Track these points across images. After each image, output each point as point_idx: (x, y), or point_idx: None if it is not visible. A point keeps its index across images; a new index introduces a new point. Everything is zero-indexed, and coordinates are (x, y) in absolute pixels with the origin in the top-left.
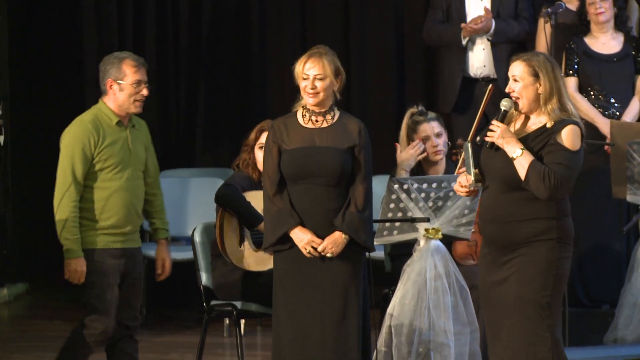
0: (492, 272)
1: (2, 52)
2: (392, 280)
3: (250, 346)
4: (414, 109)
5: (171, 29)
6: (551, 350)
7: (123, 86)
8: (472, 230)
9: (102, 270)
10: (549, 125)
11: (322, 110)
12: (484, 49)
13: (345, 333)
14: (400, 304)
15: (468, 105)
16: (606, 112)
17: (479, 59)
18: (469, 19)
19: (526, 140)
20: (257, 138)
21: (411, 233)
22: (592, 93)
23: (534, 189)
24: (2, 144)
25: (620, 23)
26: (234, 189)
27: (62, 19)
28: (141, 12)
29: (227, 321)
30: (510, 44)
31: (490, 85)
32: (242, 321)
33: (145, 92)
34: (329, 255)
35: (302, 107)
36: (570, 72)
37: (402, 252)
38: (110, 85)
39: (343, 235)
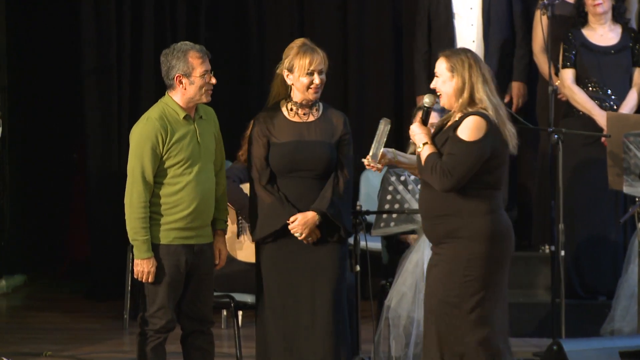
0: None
1: (0, 43)
2: (389, 271)
3: (247, 337)
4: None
5: (169, 18)
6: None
7: (193, 79)
8: None
9: (164, 265)
10: (457, 119)
11: (309, 104)
12: (473, 41)
13: (332, 324)
14: (397, 295)
15: None
16: (603, 104)
17: None
18: (455, 9)
19: (436, 136)
20: None
21: (408, 224)
22: (589, 85)
23: (428, 181)
24: (0, 135)
25: (618, 15)
26: (231, 181)
27: (60, 9)
28: (139, 2)
29: (224, 312)
30: (501, 37)
31: None
32: (240, 312)
33: (213, 80)
34: (297, 234)
35: (286, 101)
36: (568, 64)
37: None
38: (180, 80)
39: (316, 215)
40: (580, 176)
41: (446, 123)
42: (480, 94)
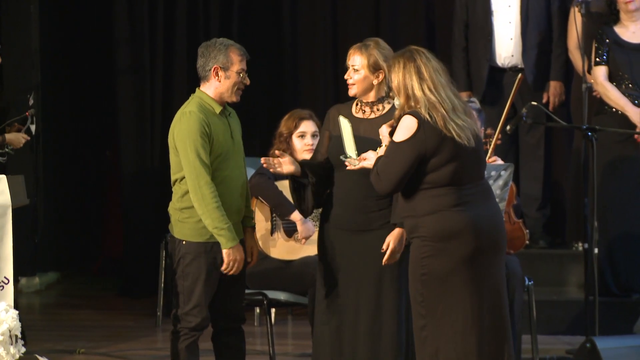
0: None
1: (33, 41)
2: None
3: (281, 335)
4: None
5: (202, 17)
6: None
7: (229, 74)
8: (503, 219)
9: (201, 263)
10: (398, 120)
11: (369, 101)
12: (511, 39)
13: (379, 320)
14: None
15: (497, 96)
16: (636, 101)
17: (507, 49)
18: (494, 7)
19: None
20: (295, 127)
21: None
22: (622, 82)
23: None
24: (33, 133)
25: None
26: (266, 178)
27: (93, 8)
28: (172, 1)
29: (257, 310)
30: (538, 34)
31: (520, 75)
32: (273, 310)
33: (247, 81)
34: (397, 255)
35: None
36: (600, 61)
37: None
38: (216, 72)
39: (402, 230)
40: (613, 173)
41: None
42: (416, 91)
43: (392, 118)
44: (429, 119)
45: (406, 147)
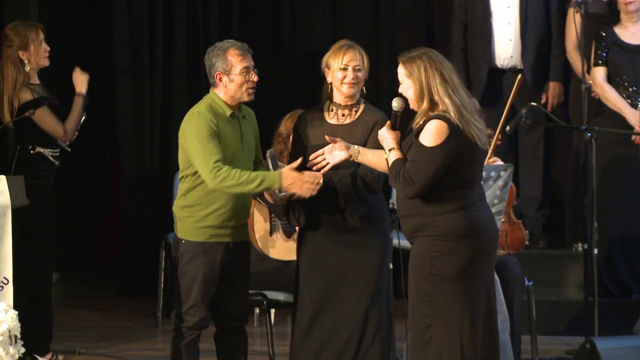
0: None
1: None
2: None
3: (280, 335)
4: None
5: (201, 18)
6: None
7: (232, 77)
8: (502, 220)
9: (199, 263)
10: (420, 123)
11: (350, 104)
12: (510, 40)
13: (360, 319)
14: None
15: (496, 97)
16: (634, 103)
17: (506, 50)
18: (493, 7)
19: (402, 141)
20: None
21: None
22: (621, 83)
23: (395, 187)
24: None
25: None
26: None
27: (93, 9)
28: (172, 2)
29: (257, 310)
30: (537, 35)
31: (520, 76)
32: (272, 310)
33: (255, 77)
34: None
35: (330, 101)
36: (600, 62)
37: None
38: (220, 78)
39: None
40: (611, 174)
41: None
42: (441, 95)
43: (364, 122)
44: (459, 125)
45: (438, 152)
